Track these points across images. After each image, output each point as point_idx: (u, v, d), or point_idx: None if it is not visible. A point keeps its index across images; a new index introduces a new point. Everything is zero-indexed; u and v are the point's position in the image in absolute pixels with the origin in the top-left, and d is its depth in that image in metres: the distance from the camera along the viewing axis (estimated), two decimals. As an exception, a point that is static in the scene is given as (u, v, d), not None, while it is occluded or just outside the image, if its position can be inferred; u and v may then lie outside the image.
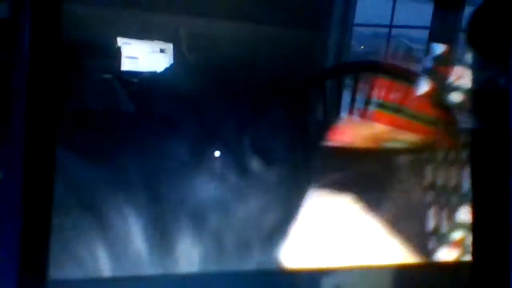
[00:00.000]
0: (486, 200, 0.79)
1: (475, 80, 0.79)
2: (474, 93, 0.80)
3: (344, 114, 0.81)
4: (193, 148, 0.74)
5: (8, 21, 0.66)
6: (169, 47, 0.75)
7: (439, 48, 0.81)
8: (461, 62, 0.81)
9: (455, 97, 0.82)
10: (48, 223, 0.59)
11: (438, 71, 0.80)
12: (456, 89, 0.81)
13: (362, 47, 0.81)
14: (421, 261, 0.81)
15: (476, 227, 0.80)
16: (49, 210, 0.59)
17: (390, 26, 0.83)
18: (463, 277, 0.81)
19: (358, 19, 0.80)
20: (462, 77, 0.80)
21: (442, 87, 0.80)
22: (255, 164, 0.76)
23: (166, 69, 0.75)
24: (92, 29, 0.71)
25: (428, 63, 0.81)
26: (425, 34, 0.83)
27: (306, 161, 0.79)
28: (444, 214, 0.83)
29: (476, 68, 0.79)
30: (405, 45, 0.82)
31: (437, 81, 0.81)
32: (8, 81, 0.63)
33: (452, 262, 0.82)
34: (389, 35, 0.83)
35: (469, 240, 0.82)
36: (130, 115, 0.75)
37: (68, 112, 0.65)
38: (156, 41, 0.75)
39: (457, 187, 0.82)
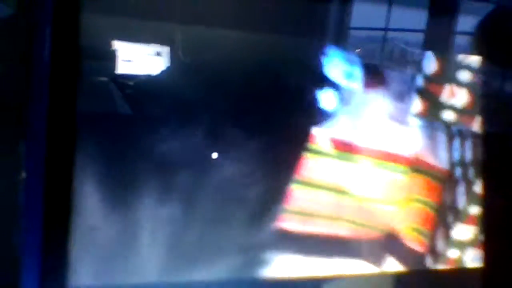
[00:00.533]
0: (497, 205, 0.79)
1: (483, 86, 0.80)
2: (482, 98, 0.81)
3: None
4: (189, 151, 0.73)
5: (7, 20, 0.65)
6: (165, 50, 0.75)
7: (432, 67, 0.82)
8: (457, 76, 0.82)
9: (450, 114, 0.82)
10: (69, 225, 0.59)
11: (431, 90, 0.81)
12: (450, 106, 0.82)
13: (357, 50, 0.81)
14: (433, 268, 0.80)
15: (487, 233, 0.80)
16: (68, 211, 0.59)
17: (385, 29, 0.84)
18: (474, 284, 0.81)
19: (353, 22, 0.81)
20: (456, 94, 0.81)
21: (434, 106, 0.81)
22: (253, 166, 0.75)
23: (162, 72, 0.74)
24: (87, 31, 0.70)
25: (420, 82, 0.82)
26: (420, 37, 0.84)
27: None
28: (441, 232, 0.83)
29: (484, 74, 0.80)
30: (400, 48, 0.83)
31: (429, 100, 0.81)
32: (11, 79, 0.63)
33: (463, 268, 0.81)
34: (384, 38, 0.84)
35: (466, 258, 0.82)
36: (126, 118, 0.74)
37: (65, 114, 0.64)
38: (152, 44, 0.74)
39: (453, 204, 0.82)
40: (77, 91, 0.63)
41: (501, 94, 0.84)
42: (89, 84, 0.71)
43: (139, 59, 0.73)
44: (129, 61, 0.73)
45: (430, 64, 0.82)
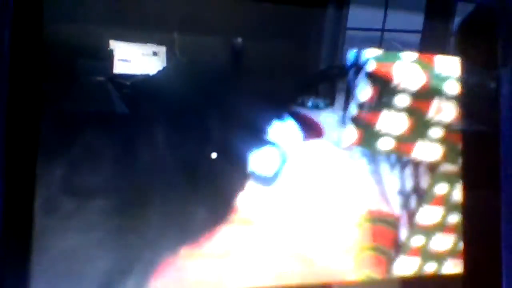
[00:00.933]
0: (476, 207, 0.80)
1: (465, 85, 0.79)
2: (464, 97, 0.80)
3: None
4: (186, 151, 0.74)
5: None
6: (162, 50, 0.75)
7: (364, 94, 0.78)
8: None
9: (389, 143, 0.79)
10: (30, 235, 0.58)
11: (364, 119, 0.78)
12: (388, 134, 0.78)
13: (354, 50, 0.81)
14: (411, 274, 0.80)
15: (466, 238, 0.81)
16: (31, 220, 0.58)
17: (382, 30, 0.84)
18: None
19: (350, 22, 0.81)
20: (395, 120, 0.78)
21: (368, 134, 0.78)
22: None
23: (159, 72, 0.75)
24: (84, 30, 0.70)
25: (353, 110, 0.78)
26: (417, 37, 0.84)
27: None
28: (405, 219, 0.82)
29: (466, 73, 0.79)
30: (397, 48, 0.83)
31: (362, 129, 0.78)
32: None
33: (443, 275, 0.82)
34: (381, 39, 0.83)
35: (429, 246, 0.81)
36: (123, 118, 0.75)
37: (58, 114, 0.65)
38: (149, 44, 0.75)
39: (417, 189, 0.81)
40: (42, 91, 0.61)
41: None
42: (85, 84, 0.72)
43: (136, 58, 0.74)
44: (126, 60, 0.73)
45: (365, 93, 0.78)
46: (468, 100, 0.80)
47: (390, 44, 0.81)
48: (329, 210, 0.78)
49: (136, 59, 0.74)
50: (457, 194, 0.81)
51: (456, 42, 0.82)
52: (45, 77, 0.61)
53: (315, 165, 0.79)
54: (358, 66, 0.79)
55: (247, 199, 0.75)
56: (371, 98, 0.78)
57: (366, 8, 0.83)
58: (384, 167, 0.82)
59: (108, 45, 0.72)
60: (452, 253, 0.83)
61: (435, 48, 0.83)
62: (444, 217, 0.82)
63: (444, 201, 0.81)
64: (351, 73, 0.80)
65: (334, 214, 0.78)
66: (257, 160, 0.76)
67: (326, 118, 0.81)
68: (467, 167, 0.81)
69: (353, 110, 0.78)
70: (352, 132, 0.78)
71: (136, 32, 0.74)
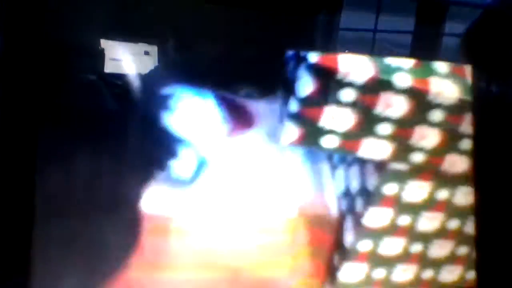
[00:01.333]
0: (489, 214, 0.77)
1: (476, 89, 0.77)
2: (475, 102, 0.78)
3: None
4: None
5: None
6: (154, 49, 0.75)
7: (306, 88, 0.72)
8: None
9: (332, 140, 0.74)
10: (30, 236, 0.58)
11: (306, 115, 0.72)
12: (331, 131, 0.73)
13: (346, 51, 0.81)
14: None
15: (479, 244, 0.78)
16: (28, 220, 0.58)
17: (374, 31, 0.84)
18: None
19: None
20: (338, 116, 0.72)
21: (312, 132, 0.72)
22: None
23: (151, 71, 0.75)
24: (75, 29, 0.70)
25: (294, 106, 0.72)
26: (408, 38, 0.84)
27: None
28: (350, 222, 0.78)
29: (476, 77, 0.77)
30: (388, 49, 0.83)
31: (304, 126, 0.72)
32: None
33: None
34: (373, 40, 0.84)
35: (378, 251, 0.77)
36: (113, 117, 0.74)
37: (49, 113, 0.64)
38: (140, 44, 0.75)
39: (362, 190, 0.77)
40: (37, 90, 0.60)
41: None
42: (76, 82, 0.72)
43: (128, 58, 0.74)
44: (117, 60, 0.73)
45: (307, 86, 0.71)
46: (479, 106, 0.77)
47: (382, 44, 0.82)
48: (257, 213, 0.73)
49: (127, 58, 0.74)
50: (408, 194, 0.76)
51: (465, 47, 0.80)
52: (36, 76, 0.61)
53: (243, 162, 0.73)
54: (299, 58, 0.72)
55: (164, 205, 0.70)
56: (314, 92, 0.71)
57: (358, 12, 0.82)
58: (328, 166, 0.77)
59: (99, 44, 0.72)
60: (402, 258, 0.78)
61: (427, 52, 0.82)
62: (394, 219, 0.76)
63: (394, 202, 0.76)
64: (292, 65, 0.73)
65: (264, 218, 0.73)
66: (173, 161, 0.71)
67: (261, 108, 0.75)
68: (479, 174, 0.78)
69: (293, 105, 0.72)
70: (292, 130, 0.72)
71: (128, 31, 0.74)
